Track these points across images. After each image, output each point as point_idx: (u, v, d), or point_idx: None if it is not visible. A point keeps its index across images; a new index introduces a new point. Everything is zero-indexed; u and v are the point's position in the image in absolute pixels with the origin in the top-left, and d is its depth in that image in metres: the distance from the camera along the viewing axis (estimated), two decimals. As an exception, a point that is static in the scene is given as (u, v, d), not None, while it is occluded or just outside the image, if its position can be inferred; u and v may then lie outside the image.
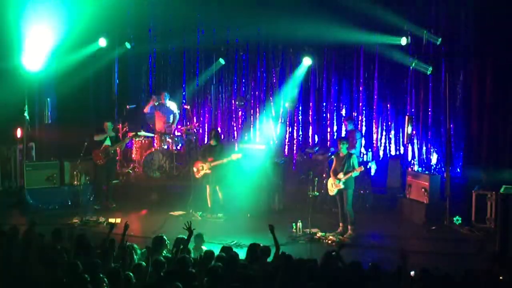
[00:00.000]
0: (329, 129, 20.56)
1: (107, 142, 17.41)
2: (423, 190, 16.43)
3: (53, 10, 19.06)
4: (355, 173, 14.66)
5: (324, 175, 17.09)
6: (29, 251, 9.65)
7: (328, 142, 20.27)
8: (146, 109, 20.15)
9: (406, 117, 17.86)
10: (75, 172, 17.30)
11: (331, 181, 14.95)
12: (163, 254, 10.04)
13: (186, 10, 21.18)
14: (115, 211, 17.19)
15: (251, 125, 21.63)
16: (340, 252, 9.84)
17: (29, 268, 9.21)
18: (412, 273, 9.46)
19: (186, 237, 10.14)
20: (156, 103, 19.88)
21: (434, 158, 19.14)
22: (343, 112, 20.30)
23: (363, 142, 19.33)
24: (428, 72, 17.98)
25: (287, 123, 20.96)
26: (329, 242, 14.37)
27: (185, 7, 21.08)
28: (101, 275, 8.66)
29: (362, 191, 17.07)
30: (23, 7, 18.72)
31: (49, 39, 19.14)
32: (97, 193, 17.80)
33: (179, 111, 20.39)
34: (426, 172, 18.06)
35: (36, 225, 11.39)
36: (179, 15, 21.31)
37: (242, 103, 21.15)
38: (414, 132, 18.78)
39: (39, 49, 18.99)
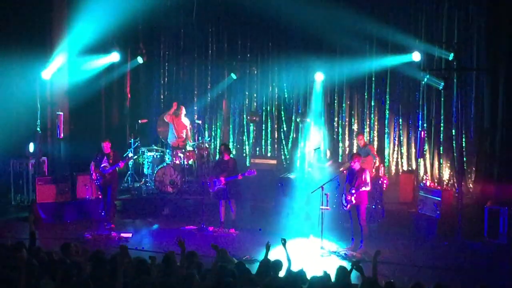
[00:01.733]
0: (340, 144, 20.55)
1: (103, 163, 16.79)
2: (435, 205, 16.38)
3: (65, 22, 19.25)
4: (364, 189, 14.63)
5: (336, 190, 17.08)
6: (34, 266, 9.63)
7: (340, 157, 20.28)
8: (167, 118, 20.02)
9: (419, 132, 17.84)
10: (86, 187, 17.28)
11: (343, 196, 14.93)
12: None
13: (198, 25, 21.31)
14: (128, 225, 17.20)
15: (263, 140, 21.64)
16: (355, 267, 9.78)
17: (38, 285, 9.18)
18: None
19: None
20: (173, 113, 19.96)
21: (446, 173, 19.09)
22: (355, 127, 20.29)
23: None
24: (440, 87, 17.95)
25: (299, 137, 20.98)
26: (341, 257, 14.33)
27: (197, 21, 21.21)
28: None
29: (374, 206, 17.01)
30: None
31: (63, 51, 19.29)
32: (105, 211, 17.16)
33: (190, 126, 20.42)
34: (438, 187, 18.00)
35: (35, 237, 11.37)
36: (191, 29, 21.44)
37: (254, 118, 21.16)
38: (426, 147, 18.77)
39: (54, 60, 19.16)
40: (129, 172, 19.61)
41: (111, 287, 8.89)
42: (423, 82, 18.63)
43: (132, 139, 19.75)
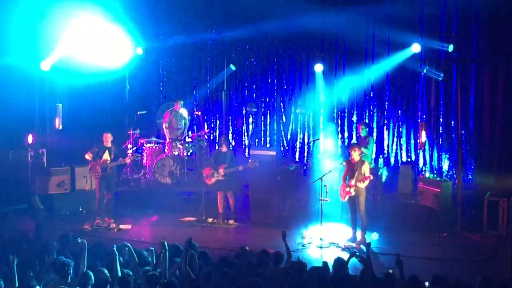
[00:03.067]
0: (340, 135, 20.52)
1: (106, 156, 16.43)
2: (434, 196, 16.37)
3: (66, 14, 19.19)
4: (363, 184, 14.60)
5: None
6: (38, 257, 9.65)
7: (339, 148, 20.26)
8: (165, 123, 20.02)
9: (419, 123, 17.82)
10: (86, 178, 17.23)
11: (342, 187, 14.91)
12: None
13: (197, 16, 21.24)
14: (127, 217, 17.14)
15: (262, 131, 21.62)
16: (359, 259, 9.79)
17: (40, 275, 9.21)
18: (427, 283, 9.41)
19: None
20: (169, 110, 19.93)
21: (445, 164, 19.09)
22: (354, 118, 20.27)
23: (375, 148, 19.19)
24: (440, 79, 17.91)
25: (298, 129, 20.98)
26: (340, 249, 14.33)
27: (196, 13, 21.16)
28: None
29: (373, 198, 16.99)
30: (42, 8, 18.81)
31: (62, 41, 19.25)
32: (99, 207, 16.64)
33: (189, 117, 20.39)
34: (438, 178, 18.00)
35: (41, 228, 11.40)
36: (190, 21, 21.38)
37: (253, 109, 21.13)
38: (426, 138, 18.72)
39: (53, 51, 19.10)
40: (128, 164, 19.53)
41: (110, 278, 8.92)
42: (423, 74, 18.61)
43: (132, 131, 19.72)
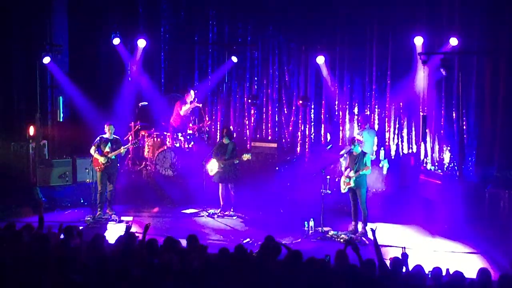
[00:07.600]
0: (341, 128, 20.50)
1: (107, 148, 16.33)
2: (435, 188, 16.37)
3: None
4: (364, 172, 14.61)
5: (336, 173, 17.07)
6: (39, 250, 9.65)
7: (340, 141, 20.26)
8: (186, 112, 19.98)
9: (420, 115, 17.80)
10: (87, 170, 17.26)
11: (343, 179, 14.93)
12: None
13: (199, 8, 21.20)
14: (129, 209, 17.17)
15: (263, 123, 21.60)
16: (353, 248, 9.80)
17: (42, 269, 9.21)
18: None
19: None
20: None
21: (447, 156, 19.05)
22: (356, 110, 20.25)
23: (376, 140, 19.15)
24: (441, 71, 17.88)
25: (299, 121, 20.95)
26: (341, 240, 14.33)
27: (197, 4, 21.13)
28: None
29: (374, 190, 16.99)
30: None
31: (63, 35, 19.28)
32: (100, 199, 16.47)
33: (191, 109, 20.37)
34: (439, 170, 17.99)
35: (43, 221, 11.42)
36: (191, 13, 21.34)
37: (255, 101, 21.07)
38: (427, 130, 18.68)
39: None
40: (129, 156, 19.54)
41: (109, 272, 8.91)
42: (424, 66, 18.54)
43: (133, 122, 19.69)
